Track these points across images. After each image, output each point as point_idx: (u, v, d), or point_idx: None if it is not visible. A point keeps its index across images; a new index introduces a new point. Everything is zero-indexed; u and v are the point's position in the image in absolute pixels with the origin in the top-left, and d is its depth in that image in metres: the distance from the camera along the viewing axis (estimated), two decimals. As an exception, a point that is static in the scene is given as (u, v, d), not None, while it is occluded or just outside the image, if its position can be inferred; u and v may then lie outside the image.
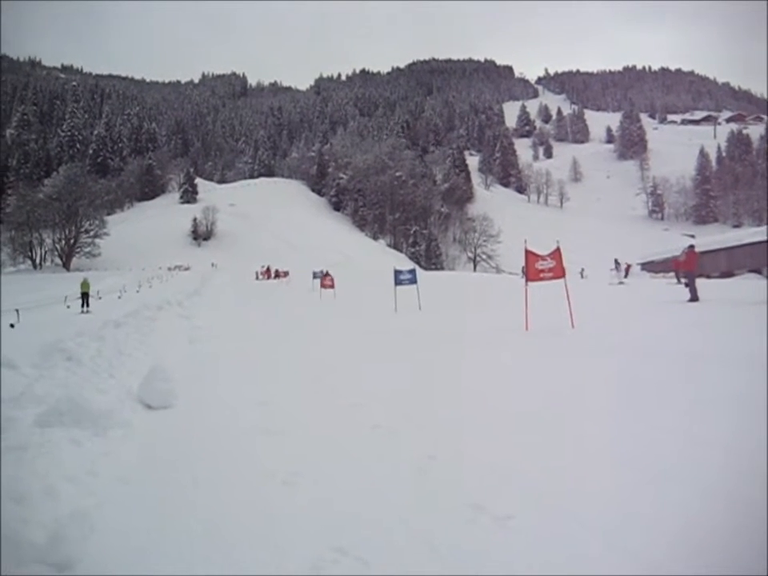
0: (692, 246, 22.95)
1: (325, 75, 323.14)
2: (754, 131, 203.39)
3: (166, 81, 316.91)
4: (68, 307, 29.32)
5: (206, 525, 4.45)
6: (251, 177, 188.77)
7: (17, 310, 22.41)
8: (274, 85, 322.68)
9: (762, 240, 55.37)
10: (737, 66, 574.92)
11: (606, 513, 4.28)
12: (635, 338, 12.46)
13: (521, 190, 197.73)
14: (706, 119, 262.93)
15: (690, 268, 21.35)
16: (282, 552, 4.00)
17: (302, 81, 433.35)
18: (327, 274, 39.75)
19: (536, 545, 3.93)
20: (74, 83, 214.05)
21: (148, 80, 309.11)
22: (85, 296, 30.30)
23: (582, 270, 71.98)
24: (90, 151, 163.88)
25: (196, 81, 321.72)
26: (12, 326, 19.73)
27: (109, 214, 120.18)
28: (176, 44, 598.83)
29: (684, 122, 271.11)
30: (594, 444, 5.80)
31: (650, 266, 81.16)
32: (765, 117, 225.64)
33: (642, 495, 4.53)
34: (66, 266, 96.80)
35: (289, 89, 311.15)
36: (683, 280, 22.74)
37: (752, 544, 3.72)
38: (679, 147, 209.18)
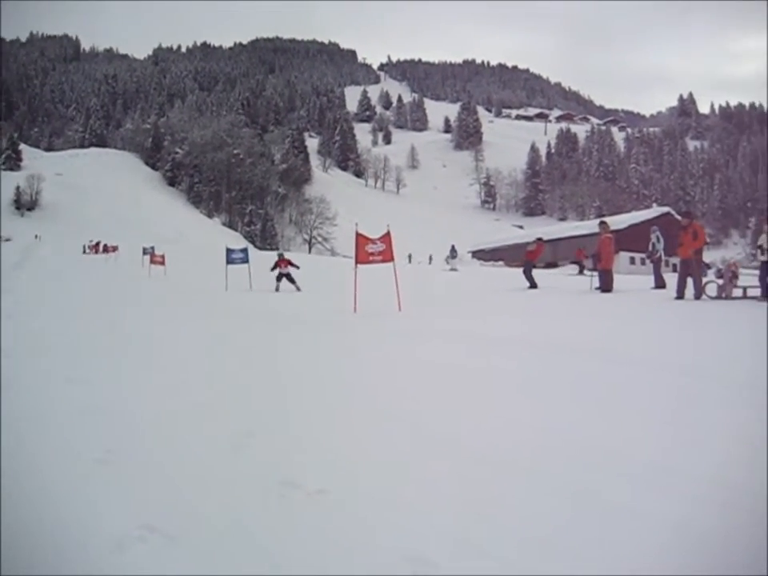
0: (540, 239, 25.45)
1: (164, 45, 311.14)
2: (581, 130, 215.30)
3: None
4: None
5: (12, 502, 4.23)
6: (82, 146, 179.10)
7: None
8: (109, 51, 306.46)
9: (584, 233, 59.46)
10: (567, 68, 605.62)
11: (423, 489, 4.41)
12: (464, 323, 12.86)
13: (359, 174, 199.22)
14: (539, 116, 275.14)
15: (533, 258, 22.80)
16: (86, 529, 3.87)
17: (139, 49, 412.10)
18: (155, 253, 38.49)
19: (349, 519, 4.00)
20: None
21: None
22: None
23: (410, 255, 74.20)
24: None
25: (23, 39, 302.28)
26: None
27: None
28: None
29: (518, 117, 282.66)
30: (407, 423, 5.98)
31: (481, 254, 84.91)
32: (591, 117, 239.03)
33: (458, 476, 4.69)
34: None
35: (125, 56, 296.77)
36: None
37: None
38: (512, 141, 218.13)
